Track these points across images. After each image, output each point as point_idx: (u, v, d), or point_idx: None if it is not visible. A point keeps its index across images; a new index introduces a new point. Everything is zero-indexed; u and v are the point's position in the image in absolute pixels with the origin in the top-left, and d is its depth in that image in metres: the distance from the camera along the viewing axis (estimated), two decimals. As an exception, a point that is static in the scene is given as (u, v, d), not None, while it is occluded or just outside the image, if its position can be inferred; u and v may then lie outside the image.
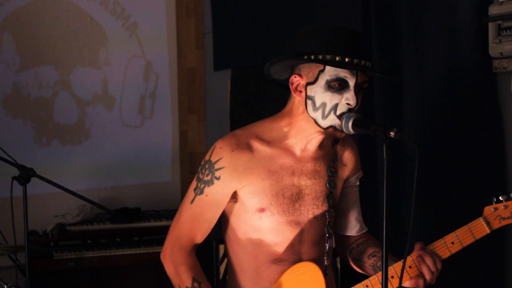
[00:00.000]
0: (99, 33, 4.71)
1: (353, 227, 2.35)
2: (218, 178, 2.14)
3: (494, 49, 2.79)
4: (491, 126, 2.86)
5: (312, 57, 2.07)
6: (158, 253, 2.27)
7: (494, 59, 2.84)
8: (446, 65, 2.95)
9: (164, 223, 4.34)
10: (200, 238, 2.22)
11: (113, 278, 4.23)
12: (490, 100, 2.87)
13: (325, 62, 2.05)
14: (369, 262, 2.26)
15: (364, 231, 2.37)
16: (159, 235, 4.02)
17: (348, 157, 2.31)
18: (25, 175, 2.88)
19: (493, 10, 2.77)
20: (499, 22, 2.76)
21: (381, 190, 1.96)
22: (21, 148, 4.42)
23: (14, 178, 2.88)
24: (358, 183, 2.36)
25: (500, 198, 2.15)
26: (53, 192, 3.30)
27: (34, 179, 2.96)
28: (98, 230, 4.29)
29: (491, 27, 2.79)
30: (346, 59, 2.05)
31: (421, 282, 2.13)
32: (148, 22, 4.82)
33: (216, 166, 2.14)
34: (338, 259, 3.30)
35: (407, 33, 3.08)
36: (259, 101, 4.18)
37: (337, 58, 2.05)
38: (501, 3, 2.75)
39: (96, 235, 4.28)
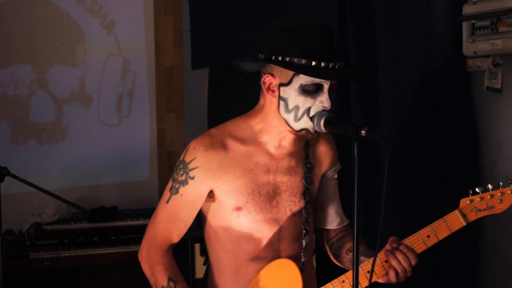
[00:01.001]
0: (76, 31, 4.69)
1: (333, 221, 2.35)
2: (192, 178, 2.15)
3: (468, 48, 2.82)
4: (465, 124, 2.89)
5: (287, 59, 2.06)
6: (136, 252, 2.27)
7: (468, 58, 2.87)
8: (421, 64, 2.98)
9: (141, 222, 4.33)
10: (176, 237, 2.22)
11: (90, 277, 4.21)
12: (464, 98, 2.90)
13: (301, 70, 2.04)
14: (347, 258, 2.27)
15: (345, 223, 2.37)
16: (137, 234, 4.01)
17: (324, 151, 2.31)
18: (-1, 174, 2.87)
19: (467, 9, 2.80)
20: (473, 21, 2.79)
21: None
22: (-3, 147, 4.41)
23: (-13, 177, 2.87)
24: (336, 176, 2.36)
25: (476, 190, 2.15)
26: (30, 191, 3.28)
27: (9, 179, 2.96)
28: (74, 229, 4.27)
29: (465, 26, 2.82)
30: (322, 64, 2.05)
31: (393, 276, 2.13)
32: (126, 20, 4.81)
33: (190, 166, 2.15)
34: (314, 257, 3.31)
35: (383, 32, 3.10)
36: (237, 100, 4.19)
37: (313, 63, 2.05)
38: (475, 2, 2.78)
39: (72, 235, 4.26)
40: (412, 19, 2.99)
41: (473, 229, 2.85)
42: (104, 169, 4.73)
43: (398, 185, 3.02)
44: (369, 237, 3.06)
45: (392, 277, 2.14)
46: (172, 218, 2.19)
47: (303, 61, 2.05)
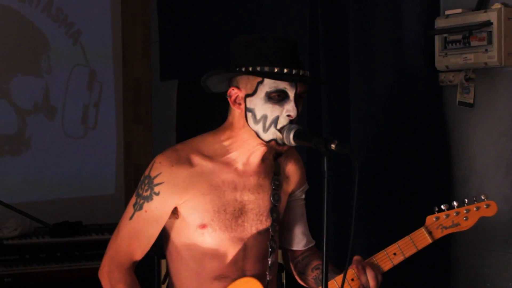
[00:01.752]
0: (41, 40, 4.65)
1: (300, 241, 2.35)
2: (157, 194, 2.12)
3: (440, 62, 2.83)
4: (437, 139, 2.90)
5: (250, 68, 2.07)
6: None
7: (440, 72, 2.88)
8: (393, 78, 2.99)
9: (106, 237, 4.27)
10: (139, 255, 2.19)
11: (52, 294, 4.16)
12: (436, 113, 2.91)
13: (263, 74, 2.05)
14: (312, 275, 2.27)
15: (311, 245, 2.37)
16: (102, 250, 3.86)
17: (292, 170, 2.31)
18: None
19: (440, 23, 2.82)
20: (445, 35, 2.80)
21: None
22: (-44, 159, 4.35)
23: None
24: (303, 196, 2.36)
25: (442, 207, 2.17)
26: (-10, 205, 3.25)
27: (-32, 191, 2.92)
28: (37, 244, 4.21)
29: (437, 40, 2.83)
30: (285, 70, 2.05)
31: None
32: (93, 30, 4.79)
33: (155, 181, 2.13)
34: (283, 274, 3.30)
35: (355, 45, 3.11)
36: (206, 113, 4.17)
37: (276, 70, 2.05)
38: (447, 16, 2.80)
39: (34, 250, 4.19)
40: (384, 32, 3.00)
41: (445, 244, 2.86)
42: (69, 182, 4.69)
43: (369, 200, 3.02)
44: (339, 253, 3.06)
45: None
46: (135, 235, 2.16)
47: (266, 69, 2.06)
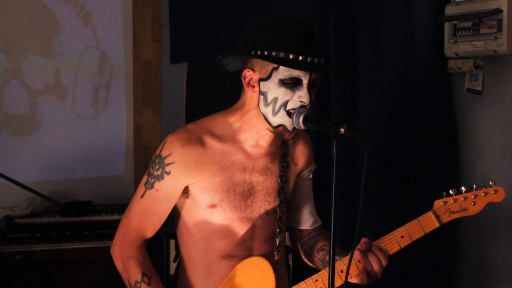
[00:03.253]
0: (53, 22, 4.65)
1: (307, 221, 2.36)
2: (168, 173, 2.13)
3: (449, 49, 2.83)
4: (445, 126, 2.90)
5: (266, 52, 2.07)
6: (110, 248, 2.25)
7: (449, 59, 2.88)
8: (402, 64, 2.98)
9: (116, 217, 4.31)
10: (150, 233, 2.21)
11: (62, 272, 4.19)
12: (445, 99, 2.91)
13: (279, 61, 2.05)
14: (318, 256, 2.28)
15: (318, 224, 2.38)
16: (111, 229, 3.95)
17: (300, 151, 2.32)
18: (-31, 165, 2.84)
19: (450, 10, 2.80)
20: (455, 22, 2.79)
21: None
22: (-31, 138, 4.37)
23: (-45, 168, 2.84)
24: (311, 176, 2.37)
25: (450, 192, 2.17)
26: (2, 184, 3.26)
27: (-20, 170, 2.94)
28: (47, 223, 4.25)
29: (447, 27, 2.82)
30: (300, 57, 2.05)
31: (365, 277, 2.15)
32: (104, 12, 4.79)
33: (167, 161, 2.13)
34: (290, 256, 3.32)
35: (365, 31, 3.10)
36: (215, 95, 4.18)
37: (291, 56, 2.05)
38: (457, 3, 2.79)
39: (45, 228, 4.23)
40: (394, 19, 2.99)
41: (451, 229, 2.88)
42: (79, 163, 4.71)
43: (377, 184, 3.03)
44: (347, 236, 3.07)
45: (364, 277, 2.14)
46: (146, 213, 2.18)
47: (282, 54, 2.05)
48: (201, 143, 2.15)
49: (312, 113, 2.08)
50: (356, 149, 3.10)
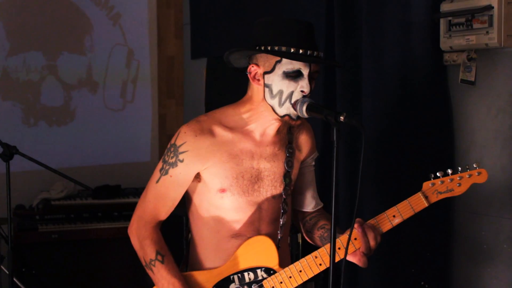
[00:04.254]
0: (85, 22, 4.67)
1: (309, 204, 2.36)
2: (181, 161, 2.13)
3: (444, 43, 2.80)
4: (441, 114, 2.88)
5: (269, 47, 2.06)
6: None
7: (444, 53, 2.85)
8: (401, 58, 2.97)
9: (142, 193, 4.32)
10: (164, 215, 2.21)
11: (94, 249, 4.22)
12: (441, 90, 2.88)
13: (281, 54, 2.05)
14: (317, 234, 2.27)
15: (319, 206, 2.38)
16: None
17: (304, 139, 2.31)
18: (8, 152, 2.88)
19: (445, 7, 2.78)
20: (450, 18, 2.77)
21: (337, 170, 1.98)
22: (10, 128, 4.40)
23: (-3, 155, 2.87)
24: (313, 163, 2.37)
25: (437, 174, 2.16)
26: (40, 169, 3.28)
27: (21, 157, 2.95)
28: (80, 205, 4.28)
29: (443, 22, 2.80)
30: (300, 51, 2.05)
31: (360, 254, 2.13)
32: (131, 13, 4.80)
33: (180, 149, 2.14)
34: (299, 235, 3.31)
35: (367, 27, 3.08)
36: (232, 88, 4.17)
37: (292, 50, 2.05)
38: (452, 1, 2.76)
39: (78, 210, 4.26)
40: (394, 16, 2.97)
41: (446, 210, 2.86)
42: (109, 150, 4.73)
43: (378, 168, 3.02)
44: (349, 215, 3.06)
45: (359, 254, 2.13)
46: (160, 197, 2.18)
47: (283, 48, 2.05)
48: (212, 133, 2.14)
49: (315, 102, 2.08)
50: (360, 136, 3.08)
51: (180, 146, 2.14)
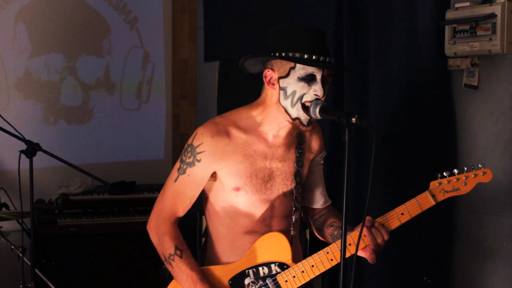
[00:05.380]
0: (103, 26, 4.69)
1: (319, 201, 2.36)
2: (199, 161, 2.14)
3: (449, 49, 2.80)
4: (445, 117, 2.88)
5: (283, 54, 2.07)
6: None
7: (449, 58, 2.85)
8: (407, 62, 2.96)
9: (156, 195, 4.18)
10: (181, 212, 2.22)
11: (110, 242, 4.23)
12: (445, 94, 2.88)
13: (295, 60, 2.06)
14: (328, 232, 2.28)
15: (328, 203, 2.38)
16: (152, 206, 3.98)
17: (313, 140, 2.32)
18: (32, 149, 2.88)
19: (450, 14, 2.78)
20: (455, 25, 2.77)
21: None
22: (31, 126, 4.42)
23: (21, 151, 2.88)
24: (322, 161, 2.37)
25: (444, 174, 2.16)
26: (59, 166, 3.30)
27: (41, 154, 2.96)
28: (97, 200, 4.29)
29: (447, 29, 2.80)
30: (314, 57, 2.05)
31: (369, 250, 2.13)
32: (147, 17, 4.81)
33: (198, 150, 2.14)
34: (307, 231, 3.31)
35: (374, 33, 3.08)
36: (243, 90, 4.16)
37: (306, 56, 2.05)
38: (457, 8, 2.76)
39: (96, 205, 4.28)
40: (400, 23, 2.97)
41: (448, 209, 2.86)
42: (125, 148, 4.75)
43: (385, 168, 3.02)
44: (358, 213, 3.06)
45: (369, 250, 2.13)
46: (178, 195, 2.19)
47: (297, 55, 2.06)
48: (228, 134, 2.15)
49: (327, 104, 2.08)
50: (367, 137, 3.08)
51: (197, 146, 2.14)
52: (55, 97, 4.58)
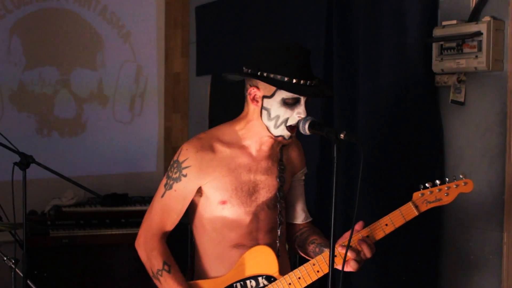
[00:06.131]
0: (97, 39, 4.69)
1: (299, 216, 2.36)
2: (185, 176, 2.15)
3: (436, 66, 2.83)
4: (432, 132, 2.90)
5: (272, 75, 2.06)
6: None
7: (436, 75, 2.88)
8: (395, 78, 2.99)
9: (148, 207, 4.32)
10: (169, 226, 2.22)
11: (102, 254, 4.21)
12: (432, 110, 2.90)
13: (283, 85, 2.05)
14: (309, 249, 2.27)
15: (308, 220, 2.38)
16: None
17: (294, 156, 2.33)
18: (25, 161, 2.87)
19: (437, 32, 2.81)
20: (442, 42, 2.80)
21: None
22: (25, 138, 4.38)
23: (15, 163, 2.87)
24: (303, 177, 2.38)
25: (426, 185, 2.16)
26: (52, 177, 3.27)
27: (34, 166, 2.95)
28: (90, 212, 4.27)
29: (435, 47, 2.83)
30: (301, 82, 2.06)
31: (354, 263, 2.13)
32: (140, 31, 4.82)
33: (183, 165, 2.15)
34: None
35: (363, 49, 3.11)
36: (234, 103, 4.16)
37: (294, 81, 2.05)
38: (444, 26, 2.79)
39: (88, 216, 4.25)
40: (389, 39, 3.00)
41: (435, 222, 2.87)
42: (117, 160, 4.73)
43: (373, 182, 3.03)
44: (347, 226, 3.07)
45: (353, 263, 2.12)
46: (166, 210, 2.19)
47: (286, 79, 2.05)
48: (212, 149, 2.16)
49: (317, 120, 2.09)
50: (356, 150, 3.10)
51: (183, 162, 2.15)
52: (49, 110, 4.57)
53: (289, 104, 2.08)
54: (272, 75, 2.06)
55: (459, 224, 2.84)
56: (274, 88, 2.09)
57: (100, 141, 4.68)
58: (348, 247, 2.01)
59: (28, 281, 2.97)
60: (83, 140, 4.65)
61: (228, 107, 4.28)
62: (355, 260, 2.10)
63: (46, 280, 3.81)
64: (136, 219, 4.30)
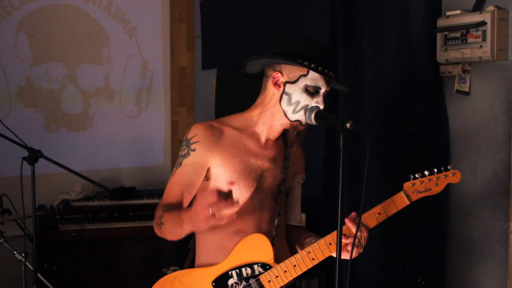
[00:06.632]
0: (103, 35, 4.70)
1: (296, 218, 2.36)
2: (193, 150, 2.14)
3: (441, 56, 2.82)
4: (437, 122, 2.89)
5: (299, 61, 2.10)
6: (151, 227, 2.20)
7: (441, 65, 2.87)
8: (400, 69, 2.98)
9: (156, 201, 4.34)
10: (185, 202, 2.13)
11: (110, 247, 4.23)
12: (437, 100, 2.90)
13: (313, 68, 2.09)
14: (305, 242, 2.25)
15: (301, 225, 2.38)
16: (152, 211, 3.90)
17: (297, 159, 2.33)
18: (33, 156, 2.89)
19: (441, 22, 2.80)
20: (446, 33, 2.79)
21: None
22: (33, 134, 4.41)
23: (23, 158, 2.89)
24: (302, 181, 2.37)
25: (416, 175, 2.18)
26: (60, 172, 3.29)
27: (42, 161, 2.97)
28: (98, 206, 4.29)
29: (439, 37, 2.82)
30: (326, 71, 2.11)
31: (351, 249, 2.10)
32: (146, 26, 4.82)
33: (192, 141, 2.15)
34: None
35: (368, 40, 3.10)
36: (240, 97, 4.18)
37: (319, 68, 2.10)
38: (448, 16, 2.78)
39: (96, 210, 4.27)
40: (393, 30, 2.99)
41: (442, 212, 2.87)
42: (124, 154, 4.75)
43: (379, 172, 3.03)
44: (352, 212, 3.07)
45: (350, 249, 2.09)
46: (176, 185, 2.14)
47: (312, 65, 2.10)
48: (221, 132, 2.17)
49: (322, 110, 2.10)
50: (361, 140, 3.10)
51: (191, 138, 2.15)
52: (56, 105, 4.58)
53: (310, 92, 2.12)
54: (299, 60, 2.10)
55: (465, 214, 2.84)
56: (298, 74, 2.12)
57: (107, 136, 4.69)
58: (356, 234, 2.01)
59: (38, 274, 2.99)
60: (91, 135, 4.66)
61: (233, 100, 4.29)
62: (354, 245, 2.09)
63: (56, 273, 3.83)
64: (144, 212, 4.31)
